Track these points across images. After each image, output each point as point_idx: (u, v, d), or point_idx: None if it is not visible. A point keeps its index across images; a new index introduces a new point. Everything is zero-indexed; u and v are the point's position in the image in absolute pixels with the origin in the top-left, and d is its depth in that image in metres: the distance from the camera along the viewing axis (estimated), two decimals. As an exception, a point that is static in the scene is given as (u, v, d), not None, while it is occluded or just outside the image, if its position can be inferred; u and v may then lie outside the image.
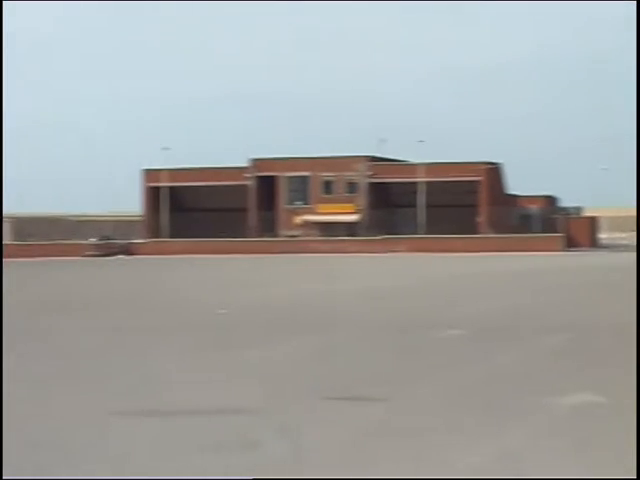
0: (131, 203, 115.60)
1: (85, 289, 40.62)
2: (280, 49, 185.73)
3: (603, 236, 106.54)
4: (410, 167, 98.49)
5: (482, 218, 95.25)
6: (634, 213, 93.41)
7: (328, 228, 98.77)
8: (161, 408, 11.99)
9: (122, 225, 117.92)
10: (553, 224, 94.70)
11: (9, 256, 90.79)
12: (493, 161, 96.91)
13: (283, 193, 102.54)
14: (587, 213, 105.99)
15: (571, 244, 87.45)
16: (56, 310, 28.00)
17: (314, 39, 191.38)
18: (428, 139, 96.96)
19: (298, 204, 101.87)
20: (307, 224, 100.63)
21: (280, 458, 9.25)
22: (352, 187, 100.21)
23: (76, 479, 8.33)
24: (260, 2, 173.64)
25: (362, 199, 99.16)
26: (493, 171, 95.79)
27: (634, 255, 57.68)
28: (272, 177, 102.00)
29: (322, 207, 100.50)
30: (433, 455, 9.45)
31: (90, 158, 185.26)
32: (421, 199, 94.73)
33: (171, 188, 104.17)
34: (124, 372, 15.07)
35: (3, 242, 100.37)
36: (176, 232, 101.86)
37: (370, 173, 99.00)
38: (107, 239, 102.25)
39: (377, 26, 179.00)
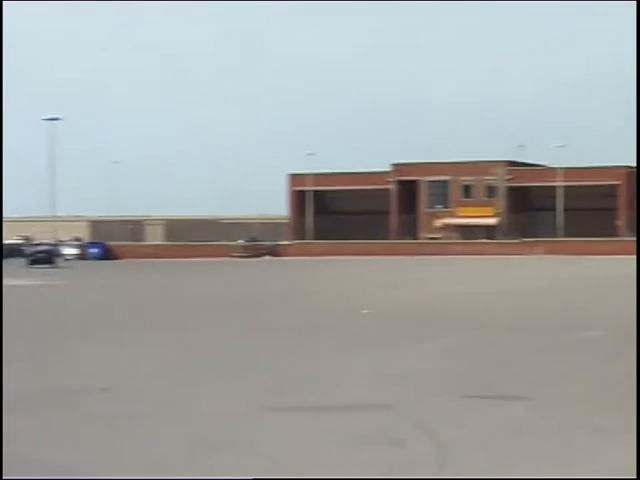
0: (277, 206, 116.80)
1: (233, 289, 41.23)
2: (416, 54, 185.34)
3: None
4: (549, 171, 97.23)
5: (621, 221, 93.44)
6: None
7: (467, 231, 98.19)
8: (312, 404, 12.16)
9: (269, 227, 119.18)
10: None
11: (161, 256, 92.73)
12: (632, 165, 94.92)
13: (424, 197, 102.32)
14: None
15: None
16: (209, 309, 28.53)
17: (451, 43, 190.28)
18: (566, 143, 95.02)
19: (438, 207, 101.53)
20: (447, 227, 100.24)
21: (423, 455, 9.32)
22: (491, 191, 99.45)
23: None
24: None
25: (501, 203, 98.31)
26: (632, 175, 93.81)
27: None
28: (413, 181, 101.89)
29: (462, 210, 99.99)
30: (572, 455, 9.40)
31: (239, 163, 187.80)
32: (559, 203, 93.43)
33: (316, 192, 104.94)
34: (275, 369, 15.30)
35: (153, 242, 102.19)
36: (320, 234, 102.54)
37: (509, 177, 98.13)
38: (254, 241, 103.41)
39: (517, 26, 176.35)
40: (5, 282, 47.86)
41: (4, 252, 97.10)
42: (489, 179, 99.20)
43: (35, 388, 13.55)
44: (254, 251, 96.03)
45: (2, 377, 13.38)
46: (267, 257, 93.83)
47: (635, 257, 57.18)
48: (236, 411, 11.65)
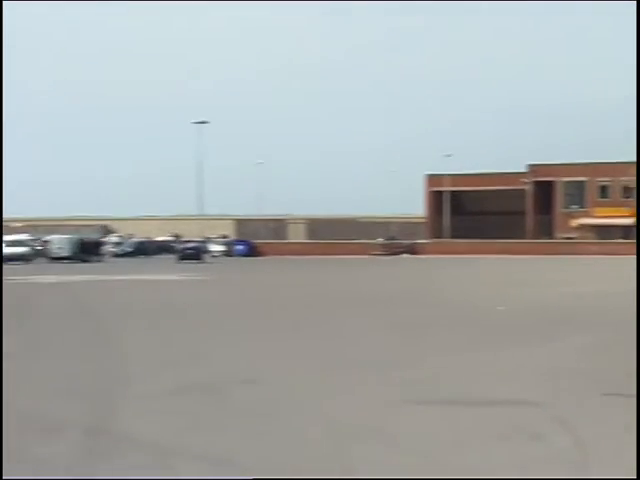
0: (415, 206, 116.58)
1: (373, 285, 41.22)
2: (553, 55, 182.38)
3: None
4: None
5: None
6: None
7: (603, 231, 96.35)
8: (453, 398, 12.03)
9: (406, 226, 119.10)
10: None
11: (303, 254, 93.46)
12: None
13: (560, 197, 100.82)
14: None
15: None
16: (348, 304, 28.56)
17: (587, 43, 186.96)
18: None
19: (574, 208, 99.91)
20: (583, 227, 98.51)
21: (565, 451, 9.09)
22: (628, 192, 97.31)
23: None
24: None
25: (637, 203, 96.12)
26: None
27: None
28: (549, 182, 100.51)
29: (598, 211, 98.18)
30: None
31: (378, 164, 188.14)
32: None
33: (452, 192, 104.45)
34: (415, 363, 15.19)
35: (295, 240, 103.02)
36: (456, 233, 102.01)
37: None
38: (393, 239, 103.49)
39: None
40: (157, 277, 48.88)
41: (156, 249, 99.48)
42: (625, 180, 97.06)
43: (186, 378, 13.74)
44: (392, 249, 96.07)
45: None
46: (405, 255, 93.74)
47: None
48: (378, 403, 11.58)
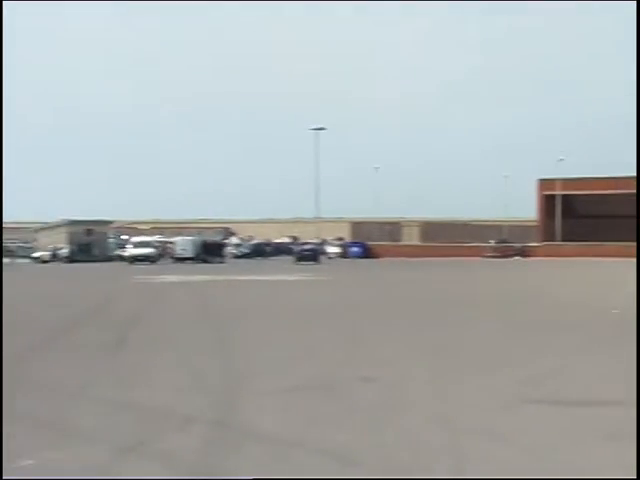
0: (526, 209, 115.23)
1: (487, 287, 40.84)
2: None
3: None
4: None
5: None
6: None
7: None
8: (567, 398, 11.79)
9: (517, 229, 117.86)
10: None
11: (416, 255, 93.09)
12: None
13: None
14: None
15: None
16: (461, 305, 28.32)
17: None
18: None
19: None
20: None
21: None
22: None
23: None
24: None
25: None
26: None
27: None
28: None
29: None
30: None
31: (490, 170, 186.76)
32: None
33: (564, 196, 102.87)
34: (531, 363, 14.94)
35: (409, 243, 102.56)
36: (567, 237, 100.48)
37: None
38: (504, 242, 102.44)
39: None
40: (276, 277, 49.25)
41: (274, 250, 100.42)
42: None
43: (307, 374, 13.76)
44: (504, 252, 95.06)
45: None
46: (517, 258, 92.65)
47: None
48: (493, 402, 11.41)
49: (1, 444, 9.01)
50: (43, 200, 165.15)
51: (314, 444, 9.17)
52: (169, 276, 50.93)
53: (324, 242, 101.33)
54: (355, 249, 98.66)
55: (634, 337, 18.83)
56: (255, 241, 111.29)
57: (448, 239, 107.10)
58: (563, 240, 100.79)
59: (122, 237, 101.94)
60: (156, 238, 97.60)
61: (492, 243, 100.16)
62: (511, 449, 9.00)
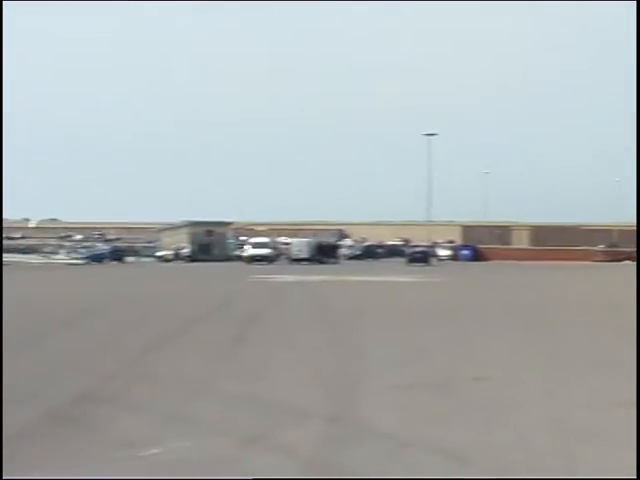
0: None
1: (599, 292, 40.11)
2: None
3: None
4: None
5: None
6: None
7: None
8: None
9: (627, 234, 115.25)
10: None
11: (525, 259, 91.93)
12: None
13: None
14: None
15: None
16: (572, 308, 27.90)
17: None
18: None
19: None
20: None
21: None
22: None
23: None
24: None
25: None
26: None
27: None
28: None
29: None
30: None
31: (602, 175, 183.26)
32: None
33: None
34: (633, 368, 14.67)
35: (518, 246, 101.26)
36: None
37: None
38: (614, 246, 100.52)
39: None
40: (389, 278, 49.22)
41: (386, 252, 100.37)
42: None
43: (422, 373, 13.77)
44: (614, 256, 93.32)
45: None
46: (627, 262, 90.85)
47: None
48: (605, 403, 11.25)
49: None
50: (165, 202, 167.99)
51: (428, 443, 9.18)
52: (286, 276, 51.38)
53: (435, 245, 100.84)
54: (465, 252, 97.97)
55: None
56: (367, 243, 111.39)
57: (558, 243, 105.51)
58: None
59: (240, 238, 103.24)
60: (281, 239, 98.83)
61: (602, 247, 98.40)
62: (621, 450, 8.87)
